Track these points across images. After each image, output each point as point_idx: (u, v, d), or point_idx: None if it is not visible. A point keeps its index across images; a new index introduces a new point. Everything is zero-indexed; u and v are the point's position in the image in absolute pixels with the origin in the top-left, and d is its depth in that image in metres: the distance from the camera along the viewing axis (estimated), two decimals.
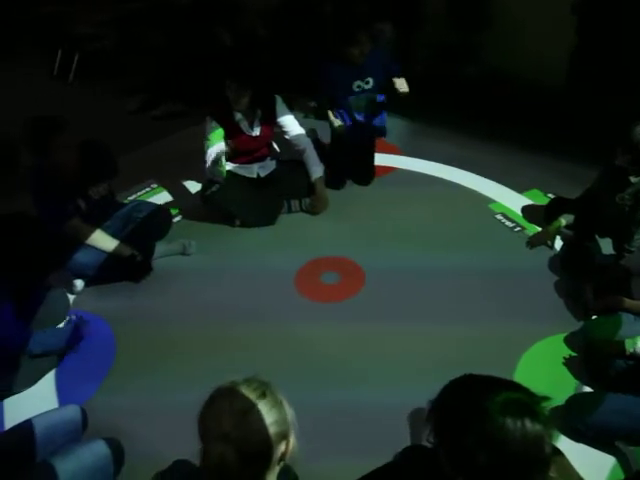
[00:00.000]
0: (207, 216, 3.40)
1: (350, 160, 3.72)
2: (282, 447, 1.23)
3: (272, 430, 1.19)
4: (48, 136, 2.57)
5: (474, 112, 4.45)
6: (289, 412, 1.26)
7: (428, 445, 1.30)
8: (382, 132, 3.84)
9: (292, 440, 1.25)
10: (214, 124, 3.15)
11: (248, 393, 1.21)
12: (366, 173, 3.79)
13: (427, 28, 4.88)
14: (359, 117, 3.65)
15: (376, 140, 3.85)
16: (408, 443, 2.09)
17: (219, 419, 1.17)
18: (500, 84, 4.51)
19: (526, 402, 1.12)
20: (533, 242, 3.15)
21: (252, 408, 1.18)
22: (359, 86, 3.56)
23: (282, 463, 1.26)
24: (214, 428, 1.16)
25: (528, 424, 1.07)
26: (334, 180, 3.67)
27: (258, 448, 1.17)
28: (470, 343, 2.53)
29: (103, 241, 2.84)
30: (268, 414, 1.19)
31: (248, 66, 3.16)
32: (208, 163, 3.14)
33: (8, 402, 2.30)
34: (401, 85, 3.57)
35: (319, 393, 2.31)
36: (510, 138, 4.12)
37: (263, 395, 1.22)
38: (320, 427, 2.14)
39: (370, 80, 3.57)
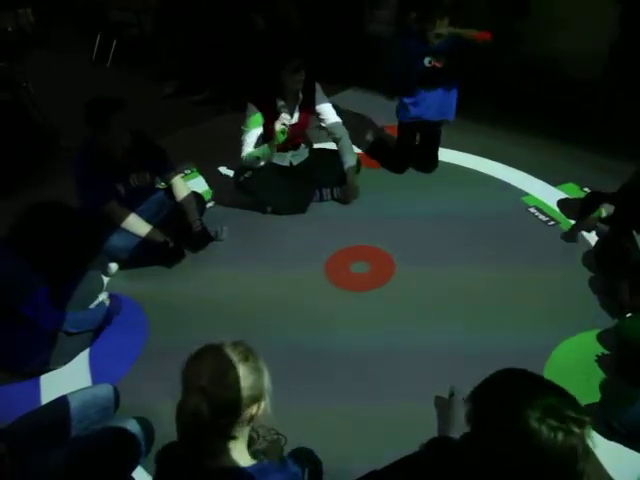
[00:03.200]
0: (240, 202, 3.43)
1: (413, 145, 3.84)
2: (253, 409, 1.29)
3: (245, 393, 1.26)
4: (108, 112, 2.65)
5: (509, 104, 4.38)
6: (266, 380, 1.33)
7: (454, 437, 1.30)
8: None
9: (263, 405, 1.31)
10: (254, 110, 3.16)
11: (232, 355, 1.28)
12: (429, 161, 3.82)
13: (466, 18, 4.80)
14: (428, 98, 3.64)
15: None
16: (434, 432, 2.09)
17: (200, 374, 1.25)
18: (527, 78, 4.43)
19: (566, 414, 1.06)
20: (567, 238, 3.10)
21: (231, 369, 1.26)
22: (430, 62, 3.51)
23: (252, 424, 1.33)
24: (194, 381, 1.24)
25: (561, 436, 1.03)
26: (397, 164, 3.80)
27: (229, 405, 1.25)
28: (501, 336, 2.50)
29: (137, 226, 2.89)
30: (245, 378, 1.26)
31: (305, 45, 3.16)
32: (247, 154, 3.16)
33: (44, 379, 2.37)
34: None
35: (345, 380, 2.33)
36: (545, 130, 4.04)
37: (245, 359, 1.29)
38: (342, 413, 2.17)
39: (443, 59, 3.50)
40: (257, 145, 3.22)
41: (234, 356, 1.28)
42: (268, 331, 2.57)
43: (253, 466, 1.30)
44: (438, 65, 3.52)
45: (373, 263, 3.00)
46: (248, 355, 1.31)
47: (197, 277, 2.93)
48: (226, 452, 1.28)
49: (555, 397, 1.09)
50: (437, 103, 3.68)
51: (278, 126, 3.11)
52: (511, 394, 1.11)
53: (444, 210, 3.36)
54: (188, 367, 1.28)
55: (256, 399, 1.29)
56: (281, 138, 3.16)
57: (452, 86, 3.66)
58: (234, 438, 1.28)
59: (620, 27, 4.20)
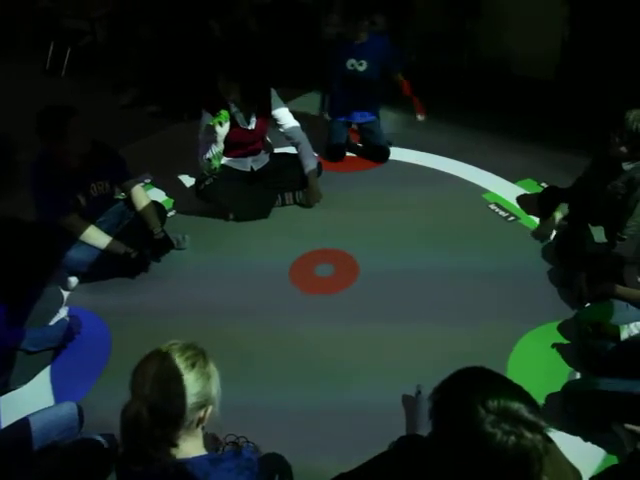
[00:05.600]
0: (201, 210, 3.40)
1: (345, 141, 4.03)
2: (200, 414, 1.28)
3: (190, 400, 1.25)
4: (62, 121, 2.60)
5: (467, 102, 4.45)
6: (215, 385, 1.31)
7: (421, 435, 1.30)
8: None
9: (211, 410, 1.30)
10: (208, 117, 3.13)
11: (179, 362, 1.27)
12: (377, 152, 3.95)
13: (419, 19, 4.87)
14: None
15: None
16: (403, 431, 2.10)
17: (144, 380, 1.24)
18: (483, 77, 4.53)
19: (519, 418, 1.06)
20: (535, 236, 3.15)
21: (176, 378, 1.24)
22: (352, 65, 3.76)
23: (202, 427, 1.33)
24: (138, 387, 1.24)
25: (513, 440, 1.03)
26: (330, 153, 3.94)
27: (171, 414, 1.24)
28: (464, 331, 2.53)
29: (98, 238, 2.84)
30: (191, 386, 1.25)
31: (237, 57, 3.14)
32: (204, 157, 3.14)
33: (4, 399, 2.30)
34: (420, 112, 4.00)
35: (312, 386, 2.33)
36: (502, 128, 4.13)
37: (192, 366, 1.27)
38: (312, 419, 2.17)
39: (364, 62, 3.73)
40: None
41: (181, 362, 1.27)
42: (233, 339, 2.56)
43: (205, 456, 1.30)
44: (360, 69, 3.76)
45: (337, 266, 3.01)
46: (196, 361, 1.29)
47: (159, 288, 2.88)
48: (171, 453, 1.27)
49: (510, 399, 1.08)
50: (358, 107, 3.91)
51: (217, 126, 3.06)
52: (467, 395, 1.11)
53: (406, 210, 3.39)
54: (136, 371, 1.28)
55: (203, 405, 1.28)
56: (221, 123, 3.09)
57: (372, 91, 3.88)
58: (176, 446, 1.26)
59: (570, 26, 4.32)
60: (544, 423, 1.07)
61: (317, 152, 3.71)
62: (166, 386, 1.23)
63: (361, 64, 3.75)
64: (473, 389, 1.12)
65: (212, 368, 1.33)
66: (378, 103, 4.00)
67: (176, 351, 1.29)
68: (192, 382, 1.26)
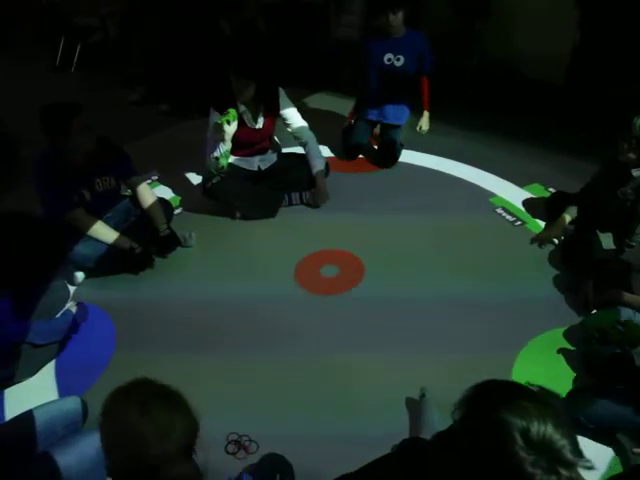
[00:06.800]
0: (208, 208, 3.40)
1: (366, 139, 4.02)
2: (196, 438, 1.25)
3: (186, 433, 1.21)
4: (68, 118, 2.61)
5: (475, 104, 4.44)
6: (192, 410, 1.26)
7: (425, 438, 1.29)
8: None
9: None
10: (217, 115, 3.14)
11: (160, 410, 1.21)
12: (388, 157, 3.91)
13: (428, 19, 4.86)
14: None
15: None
16: (406, 434, 2.10)
17: (147, 442, 1.16)
18: (492, 79, 4.52)
19: (561, 458, 1.01)
20: (540, 239, 3.12)
21: (172, 426, 1.19)
22: (389, 59, 3.73)
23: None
24: (151, 453, 1.16)
25: (554, 479, 0.99)
26: (348, 152, 3.97)
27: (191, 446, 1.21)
28: (468, 334, 2.53)
29: (104, 233, 2.84)
30: (184, 424, 1.21)
31: (249, 57, 3.14)
32: (212, 156, 3.14)
33: (9, 392, 2.31)
34: (424, 124, 4.03)
35: (314, 387, 2.32)
36: (511, 130, 4.12)
37: (175, 407, 1.23)
38: (313, 420, 2.18)
39: (401, 57, 3.71)
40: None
41: (162, 410, 1.22)
42: (237, 337, 2.57)
43: None
44: (397, 64, 3.71)
45: (342, 266, 3.00)
46: (169, 395, 1.26)
47: (165, 285, 2.89)
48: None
49: (554, 433, 1.02)
50: (392, 107, 3.86)
51: (225, 124, 3.06)
52: (505, 422, 1.04)
53: (412, 212, 3.38)
54: (125, 439, 1.20)
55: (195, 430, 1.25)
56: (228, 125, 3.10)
57: (408, 90, 3.84)
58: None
59: (580, 31, 4.31)
60: (581, 460, 1.02)
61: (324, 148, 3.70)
62: (168, 435, 1.18)
63: (398, 59, 3.71)
64: (511, 414, 1.05)
65: (183, 398, 1.29)
66: (411, 103, 3.95)
67: (152, 409, 1.22)
68: (183, 421, 1.22)
